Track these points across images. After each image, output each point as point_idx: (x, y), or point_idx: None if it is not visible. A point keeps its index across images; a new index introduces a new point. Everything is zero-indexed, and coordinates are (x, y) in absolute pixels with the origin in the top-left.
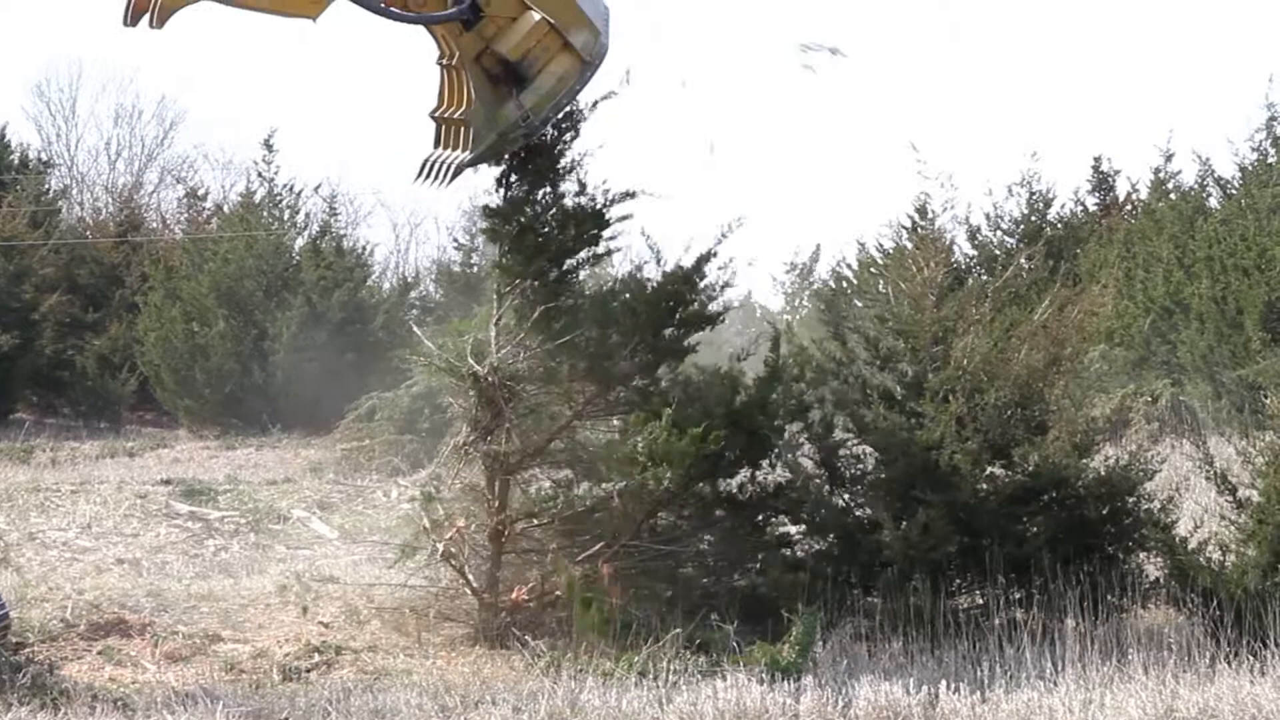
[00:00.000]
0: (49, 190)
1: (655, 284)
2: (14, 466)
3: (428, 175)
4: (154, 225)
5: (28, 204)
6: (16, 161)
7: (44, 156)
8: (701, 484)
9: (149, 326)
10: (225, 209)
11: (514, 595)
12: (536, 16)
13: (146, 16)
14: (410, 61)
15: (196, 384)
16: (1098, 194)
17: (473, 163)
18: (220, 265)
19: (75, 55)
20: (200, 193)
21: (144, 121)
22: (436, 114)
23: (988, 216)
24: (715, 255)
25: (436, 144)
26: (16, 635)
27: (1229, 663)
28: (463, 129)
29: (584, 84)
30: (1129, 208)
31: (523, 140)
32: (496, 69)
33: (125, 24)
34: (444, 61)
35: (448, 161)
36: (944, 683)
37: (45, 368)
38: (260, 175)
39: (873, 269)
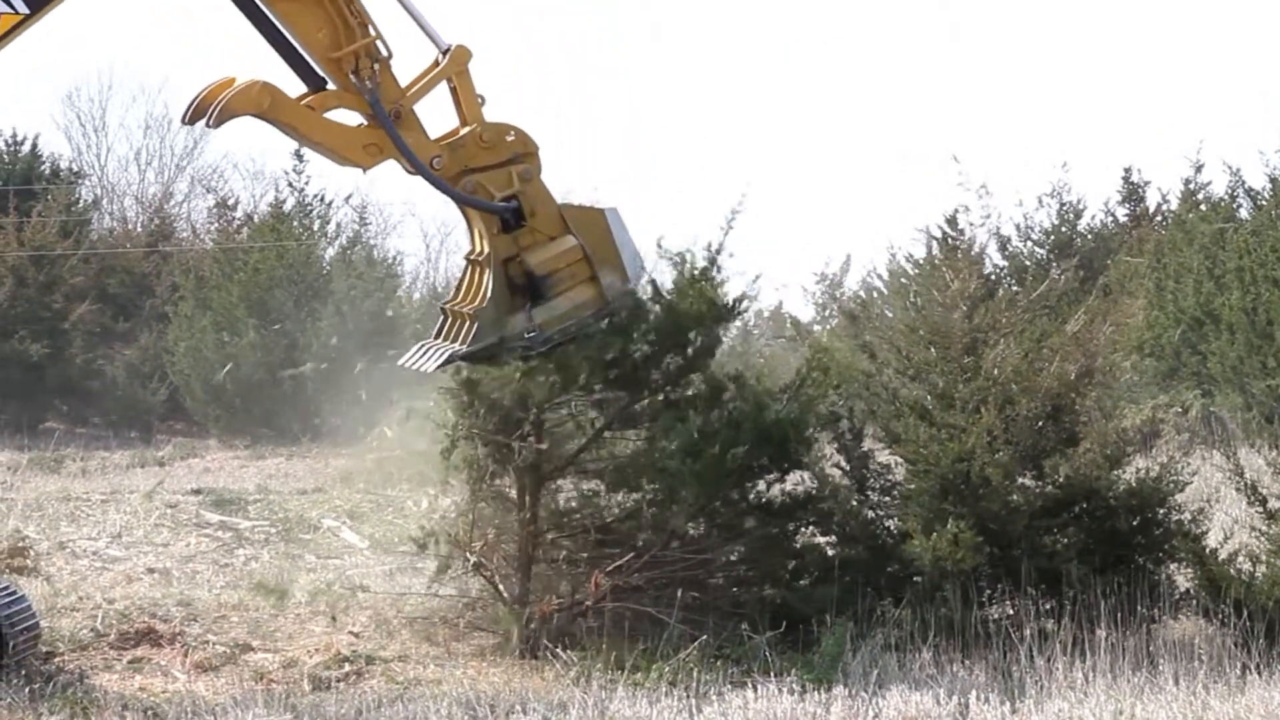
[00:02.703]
0: (79, 200)
1: (677, 289)
2: (44, 476)
3: (419, 357)
4: (184, 235)
5: (58, 214)
6: (48, 171)
7: (74, 166)
8: (732, 493)
9: (179, 336)
10: (255, 219)
11: (544, 605)
12: (574, 241)
13: (205, 118)
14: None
15: (227, 393)
16: (1128, 205)
17: (466, 357)
18: (251, 275)
19: (105, 65)
20: (230, 202)
21: (174, 131)
22: (448, 305)
23: (1018, 227)
24: (725, 252)
25: (438, 335)
26: (47, 644)
27: (1260, 673)
28: (467, 323)
29: (598, 320)
30: (1159, 218)
31: (521, 353)
32: (520, 277)
33: (184, 121)
34: (472, 256)
35: (441, 350)
36: (974, 693)
37: (75, 377)
38: (290, 185)
39: (903, 279)
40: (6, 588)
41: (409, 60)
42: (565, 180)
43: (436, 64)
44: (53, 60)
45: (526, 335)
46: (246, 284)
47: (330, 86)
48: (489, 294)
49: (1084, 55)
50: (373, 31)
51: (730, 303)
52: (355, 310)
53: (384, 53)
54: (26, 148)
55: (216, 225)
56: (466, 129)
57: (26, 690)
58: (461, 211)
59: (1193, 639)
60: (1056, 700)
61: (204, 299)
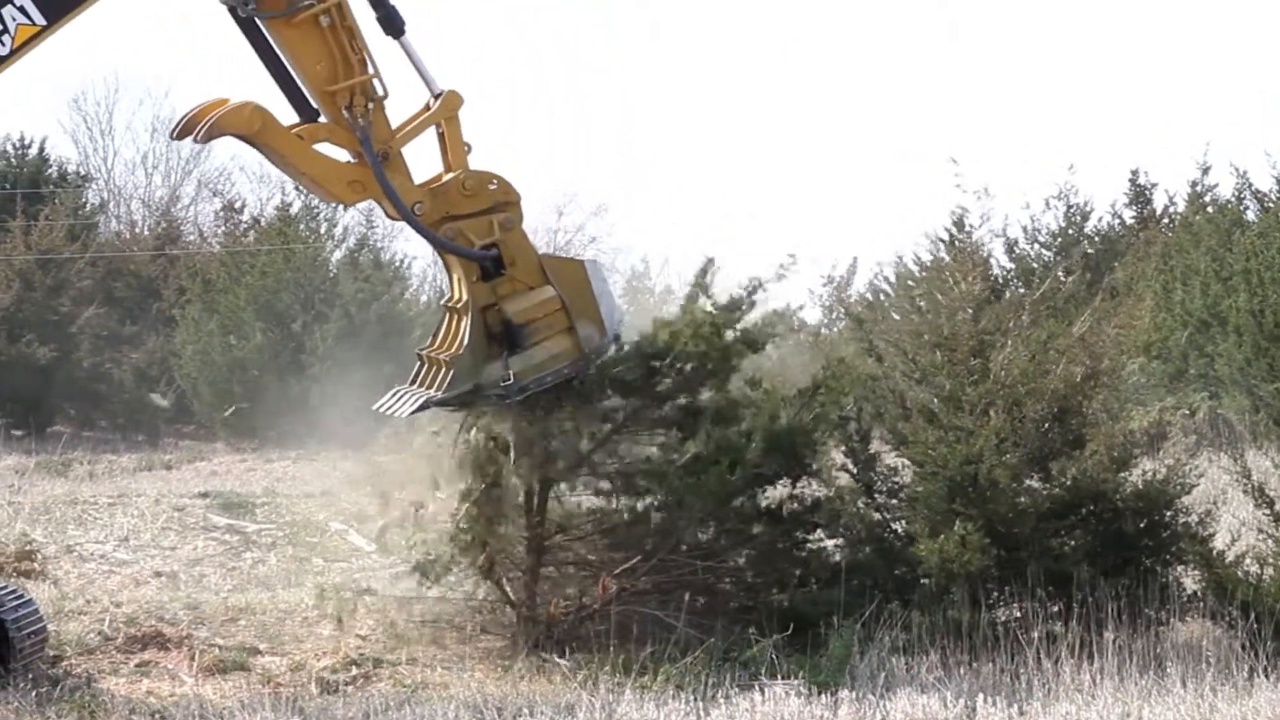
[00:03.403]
0: (86, 203)
1: (702, 312)
2: (52, 479)
3: (394, 402)
4: (191, 238)
5: (65, 217)
6: (55, 175)
7: (81, 170)
8: (740, 500)
9: (186, 339)
10: (262, 222)
11: (551, 608)
12: (553, 292)
13: (193, 134)
14: (447, 77)
15: (234, 397)
16: (1135, 207)
17: (440, 403)
18: (257, 278)
19: (111, 68)
20: (237, 205)
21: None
22: (425, 351)
23: (1025, 229)
24: (763, 286)
25: (413, 380)
26: (54, 648)
27: (1267, 675)
28: (442, 370)
29: (574, 372)
30: (1166, 221)
31: (495, 401)
32: (497, 326)
33: (171, 136)
34: (450, 303)
35: (416, 395)
36: (981, 696)
37: (83, 380)
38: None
39: (910, 281)
40: (14, 591)
41: (396, 99)
42: (562, 179)
43: (428, 107)
44: (59, 64)
45: (502, 384)
46: (254, 287)
47: (322, 119)
48: (466, 341)
49: (1090, 56)
50: (371, 69)
51: (758, 336)
52: (363, 313)
53: (380, 92)
54: (34, 151)
55: (223, 228)
56: (450, 175)
57: (34, 694)
58: (441, 258)
59: (1200, 641)
60: (1064, 703)
61: (211, 302)
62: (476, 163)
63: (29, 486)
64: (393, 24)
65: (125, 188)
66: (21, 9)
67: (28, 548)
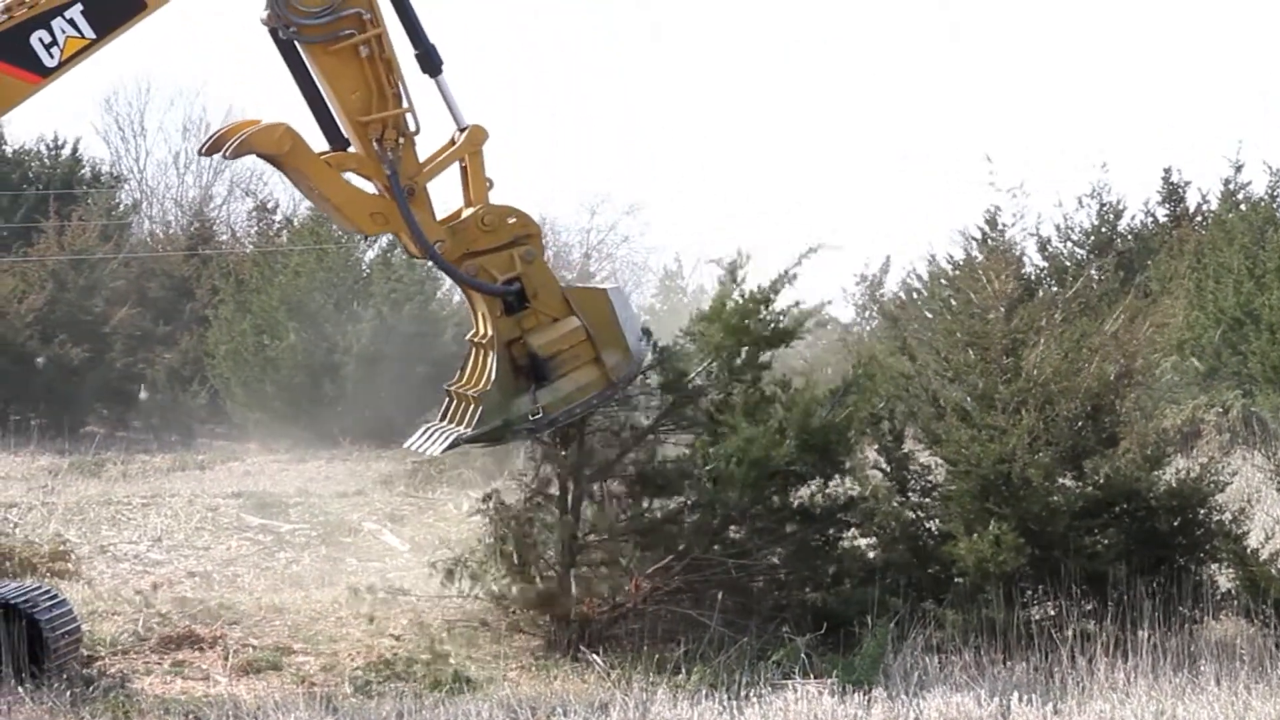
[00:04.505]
0: (119, 204)
1: (731, 305)
2: (85, 479)
3: (424, 440)
4: (224, 238)
5: (98, 218)
6: (88, 175)
7: (114, 171)
8: (774, 499)
9: (219, 339)
10: (295, 221)
11: (585, 607)
12: (577, 323)
13: (222, 150)
14: (478, 71)
15: (267, 396)
16: (1168, 205)
17: (470, 440)
18: (290, 278)
19: (143, 69)
20: (269, 205)
21: (212, 134)
22: (452, 387)
23: (1058, 228)
24: (794, 278)
25: (442, 417)
26: (88, 648)
27: None
28: (471, 406)
29: (603, 401)
30: (1199, 219)
31: (526, 436)
32: (524, 359)
33: (200, 152)
34: (475, 339)
35: (446, 433)
36: (1016, 694)
37: (116, 381)
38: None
39: (943, 280)
40: (48, 591)
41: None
42: (562, 180)
43: (453, 141)
44: (91, 65)
45: (531, 418)
46: (286, 287)
47: (352, 149)
48: (493, 377)
49: (1124, 55)
50: (405, 104)
51: (789, 327)
52: (395, 313)
53: (412, 127)
54: (67, 151)
55: (256, 228)
56: (469, 211)
57: (68, 694)
58: (465, 294)
59: (1234, 639)
60: (1098, 701)
61: (244, 302)
62: (502, 181)
63: (63, 487)
64: (430, 61)
65: (158, 188)
66: (71, 22)
67: (61, 548)
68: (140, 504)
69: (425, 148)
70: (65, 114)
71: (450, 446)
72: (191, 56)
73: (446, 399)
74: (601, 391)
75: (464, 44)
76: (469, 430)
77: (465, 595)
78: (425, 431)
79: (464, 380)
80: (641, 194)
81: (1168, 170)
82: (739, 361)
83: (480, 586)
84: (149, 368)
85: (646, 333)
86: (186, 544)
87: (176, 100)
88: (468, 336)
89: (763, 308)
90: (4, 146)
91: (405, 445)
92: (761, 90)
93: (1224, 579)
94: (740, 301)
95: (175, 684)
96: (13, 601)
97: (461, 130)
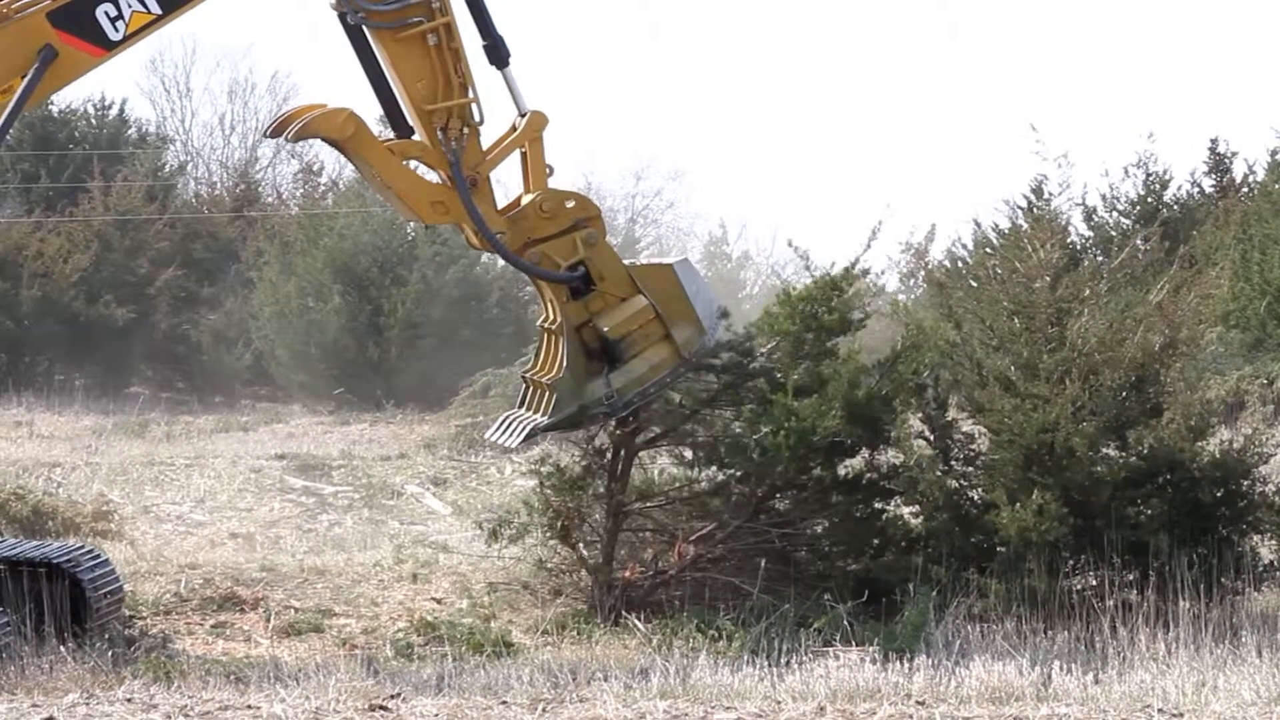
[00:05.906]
0: (165, 165)
1: (800, 290)
2: (129, 440)
3: (503, 432)
4: (269, 200)
5: (144, 178)
6: (134, 136)
7: (160, 132)
8: (818, 469)
9: (264, 302)
10: (341, 184)
11: (628, 573)
12: (645, 301)
13: (285, 133)
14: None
15: (311, 359)
16: (1214, 176)
17: (548, 429)
18: (336, 241)
19: (189, 31)
20: (315, 168)
21: (258, 96)
22: (527, 374)
23: (1104, 197)
24: (864, 272)
25: (520, 404)
26: (130, 608)
27: None
28: (547, 393)
29: (676, 378)
30: (1246, 189)
31: (603, 418)
32: (594, 343)
33: (264, 134)
34: (546, 325)
35: (524, 422)
36: (1057, 664)
37: (161, 342)
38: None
39: (988, 249)
40: (91, 551)
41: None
42: (607, 145)
43: (514, 128)
44: None
45: (606, 400)
46: (331, 250)
47: (415, 137)
48: (565, 363)
49: (1173, 26)
50: (471, 94)
51: (851, 321)
52: (440, 276)
53: (476, 117)
54: (113, 112)
55: (301, 191)
56: (527, 199)
57: (110, 654)
58: (532, 281)
59: (1276, 611)
60: (1139, 671)
61: (289, 265)
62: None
63: (106, 447)
64: (498, 54)
65: (203, 149)
66: None
67: (105, 508)
68: (184, 465)
69: (484, 138)
70: (111, 74)
71: (528, 437)
72: (238, 18)
73: (523, 385)
74: (674, 368)
75: (509, 6)
76: (545, 418)
77: (510, 558)
78: (503, 422)
79: (538, 367)
80: (686, 159)
81: (1214, 140)
82: (805, 349)
83: (524, 549)
84: (194, 329)
85: (724, 314)
86: (229, 505)
87: (222, 62)
88: (538, 322)
89: (834, 295)
90: (51, 107)
91: (485, 437)
92: (806, 55)
93: (1266, 550)
94: (809, 287)
95: (217, 645)
96: (56, 561)
97: (522, 115)
